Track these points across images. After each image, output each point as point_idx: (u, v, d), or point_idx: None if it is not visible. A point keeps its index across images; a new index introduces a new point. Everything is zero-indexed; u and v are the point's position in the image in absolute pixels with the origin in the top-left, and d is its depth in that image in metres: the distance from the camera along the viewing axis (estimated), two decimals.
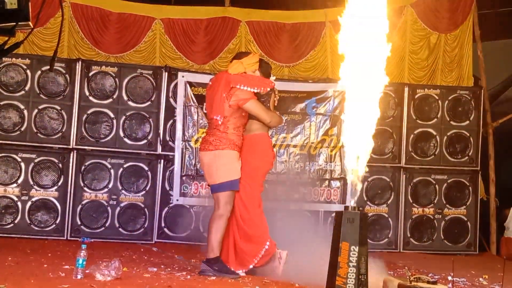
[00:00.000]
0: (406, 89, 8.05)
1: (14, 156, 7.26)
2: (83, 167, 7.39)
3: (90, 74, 7.45)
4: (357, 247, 4.29)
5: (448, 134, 8.10)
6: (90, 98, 7.47)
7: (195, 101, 7.44)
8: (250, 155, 5.42)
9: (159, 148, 7.54)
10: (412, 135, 8.03)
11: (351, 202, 4.46)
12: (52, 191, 7.32)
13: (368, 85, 4.52)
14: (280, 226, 6.25)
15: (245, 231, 5.41)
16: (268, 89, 5.52)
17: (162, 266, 5.61)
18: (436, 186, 8.05)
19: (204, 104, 7.38)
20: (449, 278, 5.82)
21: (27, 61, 7.35)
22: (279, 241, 5.52)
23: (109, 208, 7.43)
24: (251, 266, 5.40)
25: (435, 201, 8.04)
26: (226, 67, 8.00)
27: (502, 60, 9.52)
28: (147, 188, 7.51)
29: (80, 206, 7.37)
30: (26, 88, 7.33)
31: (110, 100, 7.51)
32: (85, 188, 7.40)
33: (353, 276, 4.28)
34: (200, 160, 5.46)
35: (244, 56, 5.60)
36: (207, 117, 5.48)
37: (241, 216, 5.43)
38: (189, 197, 7.42)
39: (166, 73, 7.57)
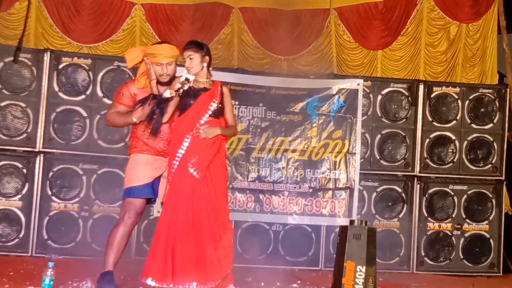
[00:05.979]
0: (421, 86, 8.09)
1: None
2: (51, 173, 7.39)
3: (60, 66, 7.48)
4: (364, 267, 4.35)
5: (469, 138, 8.16)
6: (60, 94, 7.49)
7: None
8: None
9: None
10: (427, 140, 8.09)
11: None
12: (15, 200, 7.33)
13: None
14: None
15: None
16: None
17: (141, 287, 5.55)
18: (455, 198, 8.10)
19: None
20: None
21: None
22: None
23: (80, 220, 7.43)
24: None
25: (454, 215, 8.09)
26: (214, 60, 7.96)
27: None
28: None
29: (47, 218, 7.36)
30: None
31: (83, 96, 7.53)
32: (53, 198, 7.39)
33: None
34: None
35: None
36: None
37: None
38: None
39: None
